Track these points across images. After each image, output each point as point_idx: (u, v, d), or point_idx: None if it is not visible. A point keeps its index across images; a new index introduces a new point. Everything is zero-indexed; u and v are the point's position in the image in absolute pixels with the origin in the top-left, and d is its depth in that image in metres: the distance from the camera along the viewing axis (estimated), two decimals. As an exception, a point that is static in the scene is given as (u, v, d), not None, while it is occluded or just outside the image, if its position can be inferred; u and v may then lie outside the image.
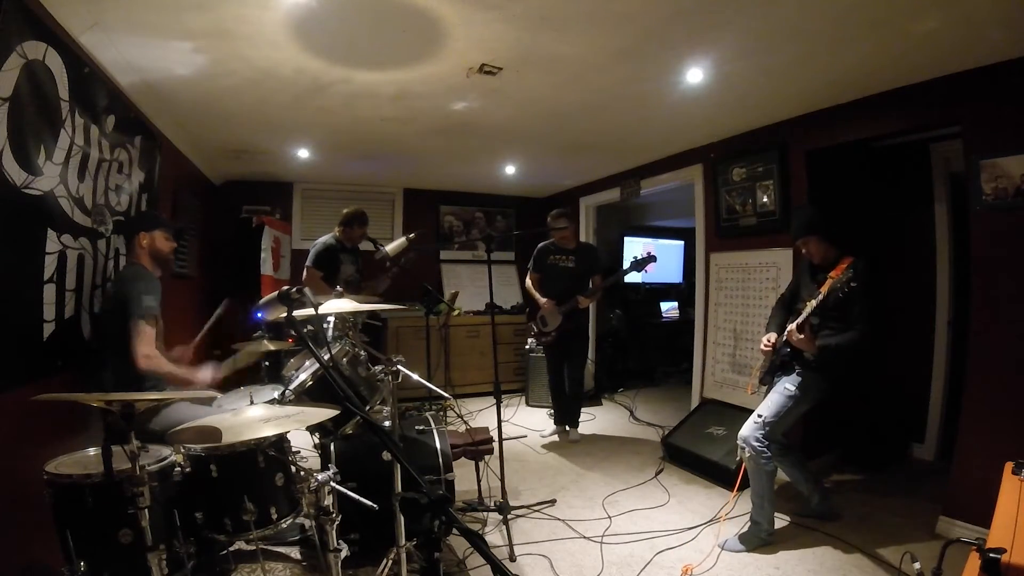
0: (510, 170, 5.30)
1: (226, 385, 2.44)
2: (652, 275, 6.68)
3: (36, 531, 1.66)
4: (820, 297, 2.41)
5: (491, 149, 4.53)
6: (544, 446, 4.18)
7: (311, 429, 2.64)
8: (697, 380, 4.33)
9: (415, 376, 2.20)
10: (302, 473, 1.60)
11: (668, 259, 7.12)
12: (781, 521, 2.78)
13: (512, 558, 2.45)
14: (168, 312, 2.24)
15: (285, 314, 1.47)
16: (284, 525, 1.77)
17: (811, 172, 3.45)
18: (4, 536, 1.72)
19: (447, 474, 2.39)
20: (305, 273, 3.88)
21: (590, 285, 4.14)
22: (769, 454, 2.54)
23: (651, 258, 3.98)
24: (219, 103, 3.21)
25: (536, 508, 3.01)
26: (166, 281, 2.30)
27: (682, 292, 7.25)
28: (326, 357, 1.95)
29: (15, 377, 1.79)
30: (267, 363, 2.95)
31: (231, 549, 1.86)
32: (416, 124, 3.68)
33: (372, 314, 3.88)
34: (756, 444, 2.53)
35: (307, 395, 2.26)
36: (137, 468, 1.38)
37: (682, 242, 7.27)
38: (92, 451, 1.69)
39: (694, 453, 3.58)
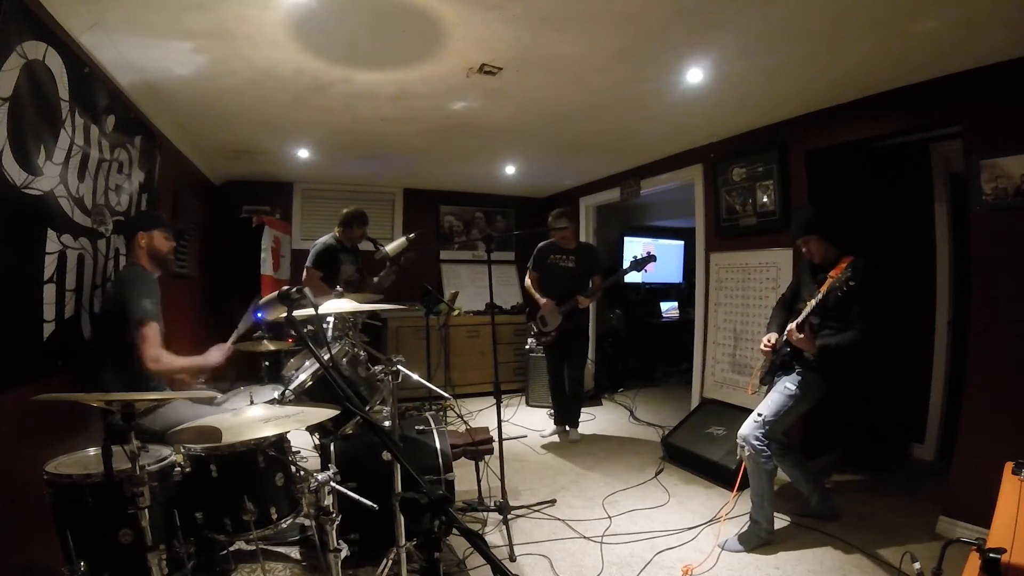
0: (510, 170, 5.30)
1: (226, 384, 2.44)
2: (652, 275, 6.68)
3: (36, 531, 1.66)
4: (819, 296, 2.42)
5: (491, 149, 4.53)
6: (544, 446, 4.18)
7: (311, 429, 2.64)
8: (697, 380, 4.33)
9: (415, 376, 2.20)
10: (302, 473, 1.60)
11: (668, 259, 7.12)
12: (781, 521, 2.78)
13: (512, 558, 2.45)
14: (168, 312, 2.24)
15: (285, 314, 1.47)
16: (284, 525, 1.77)
17: (811, 172, 3.45)
18: (4, 536, 1.71)
19: (447, 474, 2.39)
20: (305, 274, 3.88)
21: (590, 285, 4.14)
22: (768, 453, 2.54)
23: (651, 258, 3.98)
24: (219, 103, 3.21)
25: (536, 508, 3.01)
26: (166, 281, 2.29)
27: (682, 292, 7.25)
28: (326, 357, 1.95)
29: (15, 377, 1.79)
30: (267, 363, 2.95)
31: (231, 549, 1.86)
32: (416, 124, 3.68)
33: (372, 314, 3.87)
34: (756, 443, 2.53)
35: (307, 395, 2.26)
36: (137, 468, 1.38)
37: (682, 242, 7.27)
38: (92, 451, 1.69)
39: (694, 453, 3.58)
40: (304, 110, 3.35)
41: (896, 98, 2.91)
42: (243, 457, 1.71)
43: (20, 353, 1.83)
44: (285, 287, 1.46)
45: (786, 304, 2.80)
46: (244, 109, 3.32)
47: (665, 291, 7.32)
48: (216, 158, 4.63)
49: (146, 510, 1.38)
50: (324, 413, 1.68)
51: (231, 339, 2.40)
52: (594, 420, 4.92)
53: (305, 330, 2.06)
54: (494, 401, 2.79)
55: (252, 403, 1.83)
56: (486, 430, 3.07)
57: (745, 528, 2.64)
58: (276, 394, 2.37)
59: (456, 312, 5.35)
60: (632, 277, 4.79)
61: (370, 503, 1.57)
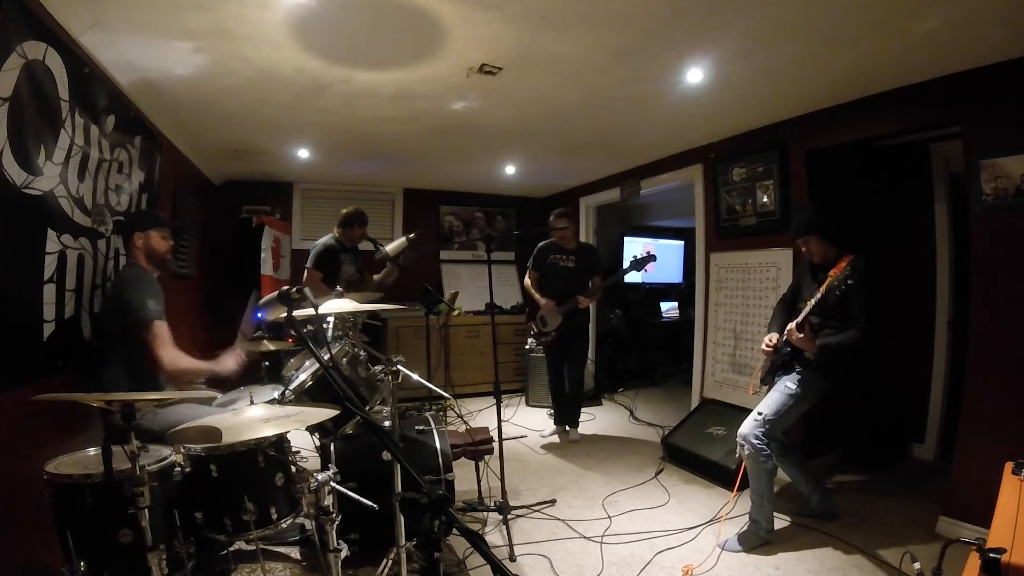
0: (510, 170, 5.30)
1: (226, 385, 2.44)
2: (652, 275, 6.68)
3: (36, 531, 1.66)
4: (819, 295, 2.42)
5: (491, 149, 4.53)
6: (544, 446, 4.18)
7: (311, 429, 2.64)
8: (697, 380, 4.33)
9: (415, 376, 2.21)
10: (302, 473, 1.60)
11: (668, 259, 7.12)
12: (781, 521, 2.78)
13: (512, 558, 2.45)
14: (169, 312, 2.24)
15: (285, 314, 1.47)
16: (284, 525, 1.77)
17: (811, 172, 3.45)
18: (4, 536, 1.71)
19: (447, 474, 2.39)
20: (306, 275, 3.88)
21: (590, 285, 4.14)
22: (768, 452, 2.54)
23: (651, 257, 3.98)
24: (219, 103, 3.21)
25: (536, 508, 3.01)
26: (166, 281, 2.29)
27: (682, 292, 7.25)
28: (326, 357, 1.95)
29: (15, 377, 1.79)
30: (267, 363, 2.95)
31: (231, 549, 1.86)
32: (416, 124, 3.68)
33: (372, 314, 3.87)
34: (756, 442, 2.53)
35: (307, 395, 2.26)
36: (137, 468, 1.38)
37: (682, 242, 7.27)
38: (92, 451, 1.69)
39: (694, 453, 3.59)
40: (304, 110, 3.35)
41: (896, 98, 2.91)
42: (243, 457, 1.71)
43: (20, 353, 1.83)
44: (285, 287, 1.46)
45: (787, 304, 2.80)
46: (244, 109, 3.32)
47: (665, 291, 7.32)
48: (216, 158, 4.63)
49: (146, 510, 1.38)
50: (324, 413, 1.68)
51: (238, 343, 2.41)
52: (594, 420, 4.92)
53: (305, 330, 2.06)
54: (494, 401, 2.79)
55: (252, 403, 1.83)
56: (486, 430, 3.07)
57: (745, 528, 2.64)
58: (276, 394, 2.37)
59: (456, 312, 5.35)
60: (632, 277, 4.79)
61: (370, 503, 1.57)
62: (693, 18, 2.20)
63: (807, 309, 2.47)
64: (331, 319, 2.64)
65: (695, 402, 4.26)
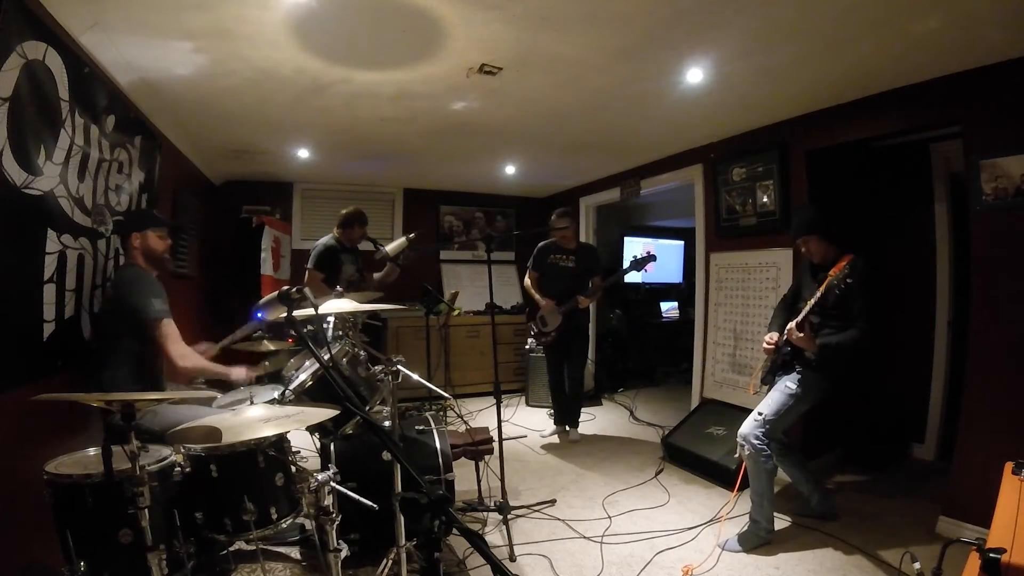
0: (510, 170, 5.30)
1: (226, 385, 2.44)
2: (652, 275, 6.68)
3: (36, 531, 1.66)
4: (818, 295, 2.42)
5: (491, 149, 4.53)
6: (544, 446, 4.18)
7: (311, 429, 2.64)
8: (697, 380, 4.33)
9: (415, 376, 2.20)
10: (302, 473, 1.60)
11: (668, 259, 7.12)
12: (781, 521, 2.78)
13: (512, 558, 2.45)
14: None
15: (285, 314, 1.47)
16: (284, 525, 1.77)
17: (811, 172, 3.45)
18: (4, 536, 1.71)
19: (447, 474, 2.39)
20: (307, 275, 3.88)
21: (590, 285, 4.14)
22: (769, 452, 2.54)
23: (651, 257, 3.98)
24: (219, 103, 3.21)
25: (536, 508, 3.01)
26: (165, 281, 2.29)
27: (682, 292, 7.25)
28: (326, 357, 1.95)
29: (15, 377, 1.79)
30: (267, 363, 2.95)
31: (231, 549, 1.86)
32: (416, 124, 3.68)
33: (372, 314, 3.87)
34: (756, 442, 2.53)
35: (307, 395, 2.26)
36: (137, 468, 1.38)
37: (682, 242, 7.27)
38: (92, 451, 1.69)
39: (694, 453, 3.58)
40: (304, 110, 3.35)
41: (896, 98, 2.91)
42: (243, 457, 1.71)
43: (20, 353, 1.83)
44: (285, 287, 1.46)
45: (787, 304, 2.80)
46: (244, 109, 3.32)
47: (665, 291, 7.32)
48: (216, 158, 4.63)
49: (146, 510, 1.38)
50: (324, 413, 1.67)
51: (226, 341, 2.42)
52: (594, 420, 4.92)
53: (305, 330, 2.06)
54: (494, 401, 2.79)
55: (252, 403, 1.83)
56: (486, 430, 3.07)
57: (745, 528, 2.64)
58: (276, 394, 2.37)
59: (456, 312, 5.35)
60: (632, 277, 4.79)
61: (370, 503, 1.57)
62: (693, 18, 2.20)
63: (807, 308, 2.47)
64: (331, 319, 2.64)
65: (695, 402, 4.26)
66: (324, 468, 1.65)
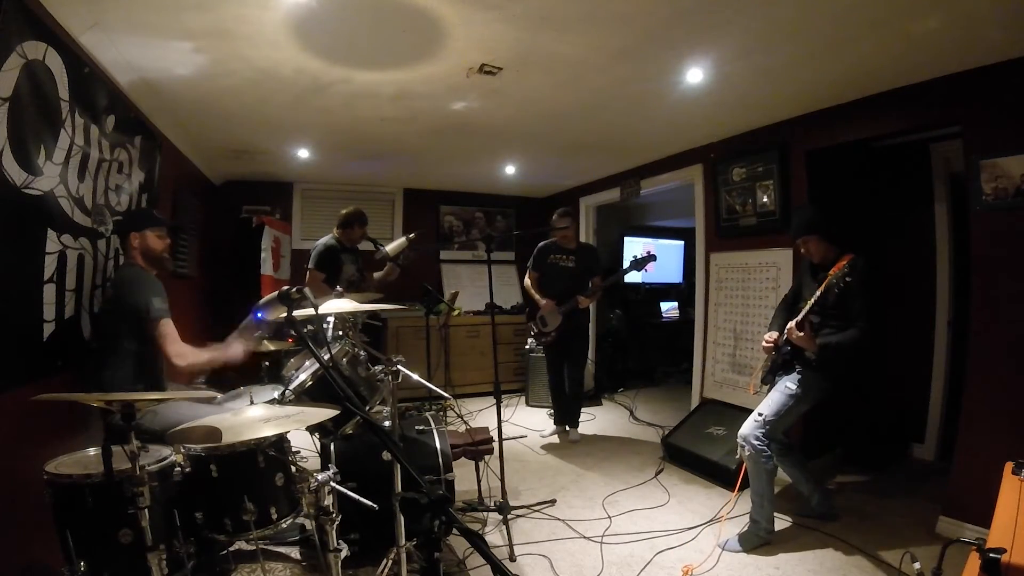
0: (510, 170, 5.30)
1: (227, 385, 2.44)
2: (652, 275, 6.68)
3: (36, 531, 1.66)
4: (818, 294, 2.42)
5: (491, 149, 4.53)
6: (544, 446, 4.18)
7: (311, 429, 2.64)
8: (697, 380, 4.33)
9: (415, 376, 2.20)
10: (302, 473, 1.60)
11: (668, 259, 7.12)
12: (782, 522, 2.78)
13: (512, 558, 2.45)
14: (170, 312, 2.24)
15: (285, 314, 1.47)
16: (284, 525, 1.77)
17: (811, 172, 3.45)
18: (4, 536, 1.71)
19: (447, 474, 2.39)
20: (308, 276, 3.88)
21: (590, 285, 4.14)
22: (769, 452, 2.54)
23: (651, 257, 3.98)
24: (219, 103, 3.21)
25: (536, 508, 3.01)
26: (165, 281, 2.29)
27: (682, 292, 7.25)
28: (326, 357, 1.95)
29: (15, 377, 1.79)
30: (267, 363, 2.95)
31: (231, 549, 1.87)
32: (416, 124, 3.68)
33: (372, 314, 3.87)
34: (756, 442, 2.53)
35: (307, 395, 2.26)
36: (137, 468, 1.38)
37: (682, 242, 7.27)
38: (92, 451, 1.69)
39: (694, 453, 3.58)
40: (304, 110, 3.35)
41: (896, 98, 2.91)
42: (243, 457, 1.71)
43: (20, 353, 1.83)
44: (285, 287, 1.46)
45: (788, 305, 2.80)
46: (244, 109, 3.32)
47: (665, 291, 7.32)
48: (216, 158, 4.63)
49: (146, 510, 1.38)
50: (324, 413, 1.68)
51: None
52: (594, 420, 4.92)
53: (305, 330, 2.06)
54: (494, 401, 2.79)
55: (252, 403, 1.83)
56: (486, 430, 3.07)
57: (745, 528, 2.64)
58: (276, 394, 2.37)
59: (456, 312, 5.35)
60: (632, 277, 4.79)
61: (370, 503, 1.57)
62: (693, 18, 2.20)
63: (807, 308, 2.48)
64: (331, 319, 2.64)
65: (695, 402, 4.26)
66: (324, 468, 1.65)
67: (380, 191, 6.12)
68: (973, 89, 2.59)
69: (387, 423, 2.34)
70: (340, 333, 2.61)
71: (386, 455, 2.18)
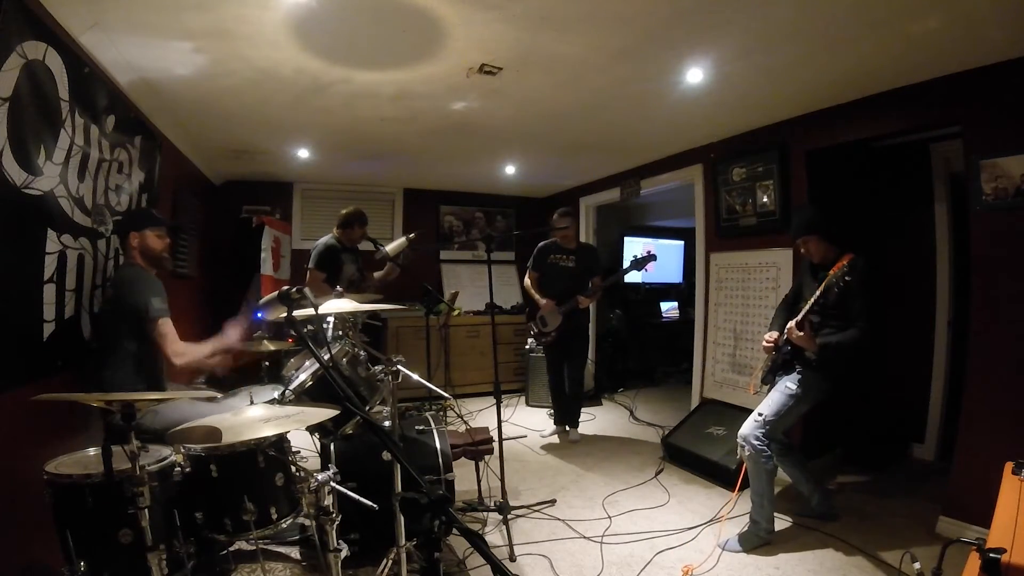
0: (510, 170, 5.30)
1: (227, 385, 2.44)
2: (652, 275, 6.68)
3: (36, 531, 1.66)
4: (817, 293, 2.42)
5: (491, 149, 4.53)
6: (544, 446, 4.18)
7: (311, 429, 2.64)
8: (697, 380, 4.33)
9: (415, 376, 2.20)
10: (302, 473, 1.60)
11: (668, 259, 7.11)
12: (782, 522, 2.78)
13: (512, 558, 2.45)
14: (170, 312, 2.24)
15: (285, 314, 1.47)
16: (284, 525, 1.77)
17: (811, 172, 3.45)
18: (4, 536, 1.71)
19: (447, 474, 2.39)
20: (308, 275, 3.88)
21: (590, 285, 4.14)
22: (769, 453, 2.54)
23: (651, 257, 3.98)
24: (219, 103, 3.21)
25: (536, 508, 3.01)
26: (165, 281, 2.29)
27: (682, 292, 7.25)
28: (326, 357, 1.95)
29: (15, 377, 1.79)
30: (267, 363, 2.95)
31: (231, 549, 1.87)
32: (416, 124, 3.68)
33: (372, 314, 3.87)
34: (756, 443, 2.53)
35: (307, 395, 2.26)
36: (137, 468, 1.38)
37: (682, 242, 7.27)
38: (92, 451, 1.69)
39: (694, 453, 3.58)
40: (304, 110, 3.35)
41: (896, 98, 2.91)
42: (243, 457, 1.71)
43: (20, 353, 1.83)
44: (285, 287, 1.46)
45: (788, 305, 2.80)
46: (244, 109, 3.32)
47: (665, 291, 7.32)
48: (216, 158, 4.63)
49: (146, 510, 1.38)
50: (324, 413, 1.68)
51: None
52: (594, 420, 4.92)
53: (305, 330, 2.06)
54: (494, 401, 2.79)
55: (252, 403, 1.83)
56: (486, 430, 3.07)
57: (745, 528, 2.64)
58: (276, 394, 2.37)
59: (456, 312, 5.35)
60: (632, 277, 4.79)
61: (370, 503, 1.57)
62: (693, 18, 2.20)
63: (807, 307, 2.48)
64: (331, 319, 2.64)
65: (695, 402, 4.26)
66: (324, 468, 1.65)
67: (380, 191, 6.12)
68: (973, 89, 2.59)
69: (387, 423, 2.34)
70: (340, 333, 2.61)
71: (386, 455, 2.18)
